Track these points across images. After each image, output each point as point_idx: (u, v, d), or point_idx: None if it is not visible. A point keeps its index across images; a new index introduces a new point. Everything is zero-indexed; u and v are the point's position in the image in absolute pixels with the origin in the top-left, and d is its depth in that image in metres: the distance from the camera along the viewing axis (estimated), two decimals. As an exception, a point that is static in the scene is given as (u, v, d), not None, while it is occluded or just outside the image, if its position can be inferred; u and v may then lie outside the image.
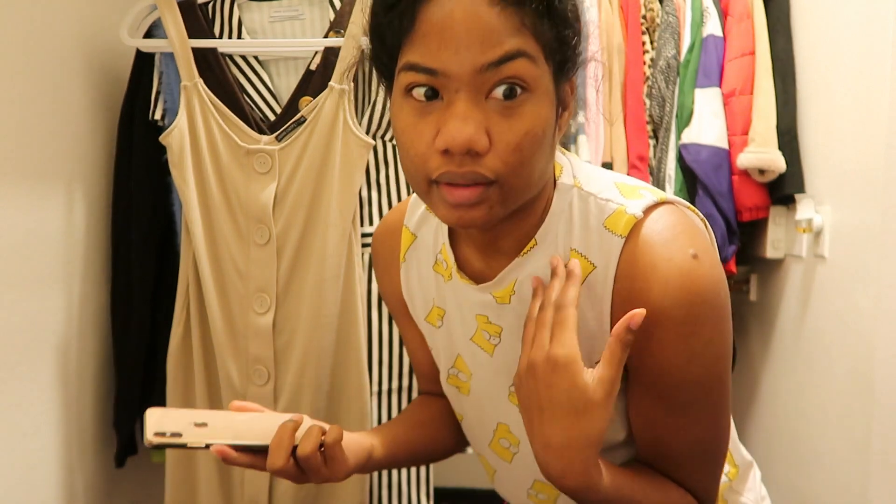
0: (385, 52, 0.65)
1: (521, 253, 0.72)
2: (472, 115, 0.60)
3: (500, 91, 0.61)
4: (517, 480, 0.85)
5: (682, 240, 0.67)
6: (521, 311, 0.75)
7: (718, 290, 0.66)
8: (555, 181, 0.73)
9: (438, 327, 0.85)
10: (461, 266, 0.78)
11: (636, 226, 0.68)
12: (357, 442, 0.81)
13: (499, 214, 0.65)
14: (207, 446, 0.72)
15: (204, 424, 0.74)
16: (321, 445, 0.75)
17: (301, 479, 0.76)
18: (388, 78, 0.67)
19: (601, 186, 0.72)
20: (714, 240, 0.73)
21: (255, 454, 0.74)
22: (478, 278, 0.77)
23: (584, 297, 0.70)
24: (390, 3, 0.62)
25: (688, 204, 0.73)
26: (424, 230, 0.84)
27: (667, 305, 0.65)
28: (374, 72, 0.70)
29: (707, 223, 0.73)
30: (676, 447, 0.71)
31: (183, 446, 0.72)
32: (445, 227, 0.80)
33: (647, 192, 0.71)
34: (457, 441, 0.95)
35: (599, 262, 0.69)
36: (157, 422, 0.73)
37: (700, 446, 0.71)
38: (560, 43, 0.63)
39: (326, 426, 0.77)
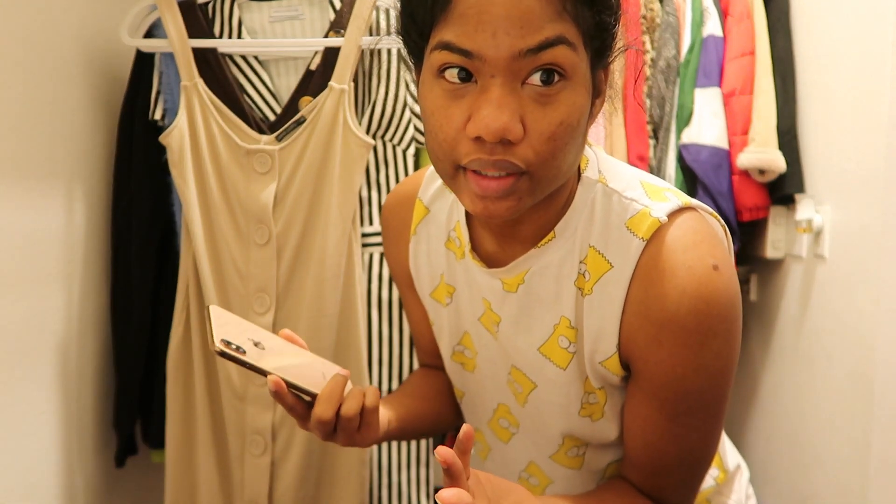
0: (416, 30, 0.63)
1: (538, 244, 0.71)
2: (507, 102, 0.58)
3: (536, 77, 0.59)
4: (512, 461, 0.85)
5: (703, 249, 0.65)
6: (525, 303, 0.74)
7: (734, 304, 0.65)
8: (579, 174, 0.72)
9: (446, 305, 0.84)
10: (475, 247, 0.77)
11: (659, 230, 0.66)
12: (381, 414, 0.82)
13: (526, 205, 0.63)
14: (264, 373, 0.71)
15: (261, 346, 0.73)
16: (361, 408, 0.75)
17: (330, 438, 0.76)
18: (416, 57, 0.65)
19: (626, 184, 0.71)
20: (732, 247, 0.72)
21: (298, 397, 0.74)
22: (490, 262, 0.76)
23: (597, 296, 0.70)
24: None
25: (710, 210, 0.71)
26: (438, 205, 0.83)
27: (681, 314, 0.64)
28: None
29: (727, 230, 0.72)
30: (669, 454, 0.71)
31: (243, 364, 0.70)
32: (462, 205, 0.79)
33: (672, 196, 0.69)
34: (456, 415, 0.96)
35: (617, 262, 0.68)
36: (223, 327, 0.71)
37: (691, 455, 0.71)
38: (600, 29, 0.61)
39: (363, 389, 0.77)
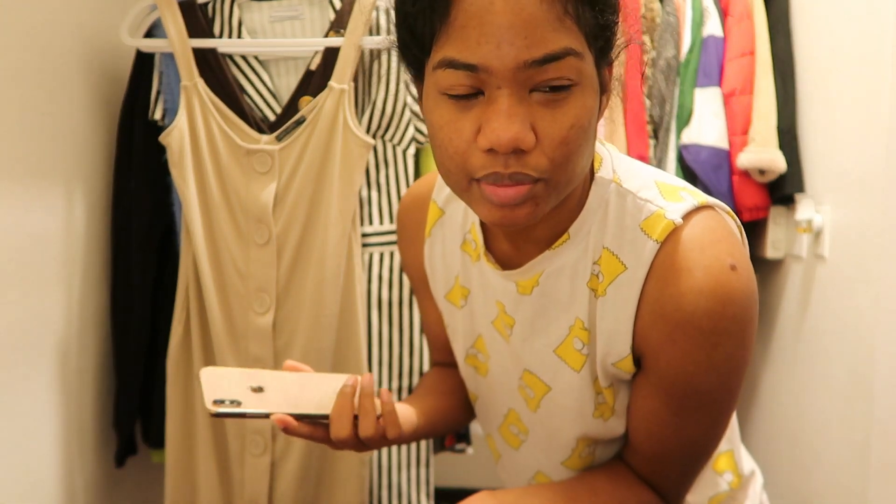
0: (415, 44, 0.62)
1: (553, 246, 0.71)
2: (516, 112, 0.58)
3: (544, 85, 0.58)
4: (521, 468, 0.85)
5: (721, 248, 0.65)
6: (539, 305, 0.73)
7: (750, 304, 0.65)
8: (592, 173, 0.71)
9: (461, 307, 0.84)
10: (489, 248, 0.77)
11: (674, 232, 0.66)
12: (405, 411, 0.82)
13: (543, 211, 0.63)
14: (267, 415, 0.70)
15: (260, 389, 0.73)
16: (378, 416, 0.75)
17: (361, 449, 0.76)
18: (417, 69, 0.65)
19: (641, 184, 0.70)
20: (747, 246, 0.71)
21: (314, 423, 0.74)
22: (504, 264, 0.76)
23: (611, 297, 0.69)
24: None
25: (727, 208, 0.70)
26: (453, 207, 0.82)
27: (697, 315, 0.63)
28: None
29: (743, 230, 0.71)
30: (672, 444, 0.71)
31: (243, 416, 0.70)
32: None
33: (687, 195, 0.68)
34: (472, 412, 0.96)
35: (631, 264, 0.68)
36: (215, 387, 0.71)
37: (693, 447, 0.71)
38: (602, 28, 0.61)
39: (375, 389, 0.77)
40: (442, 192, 0.84)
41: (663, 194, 0.68)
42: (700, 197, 0.69)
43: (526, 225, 0.63)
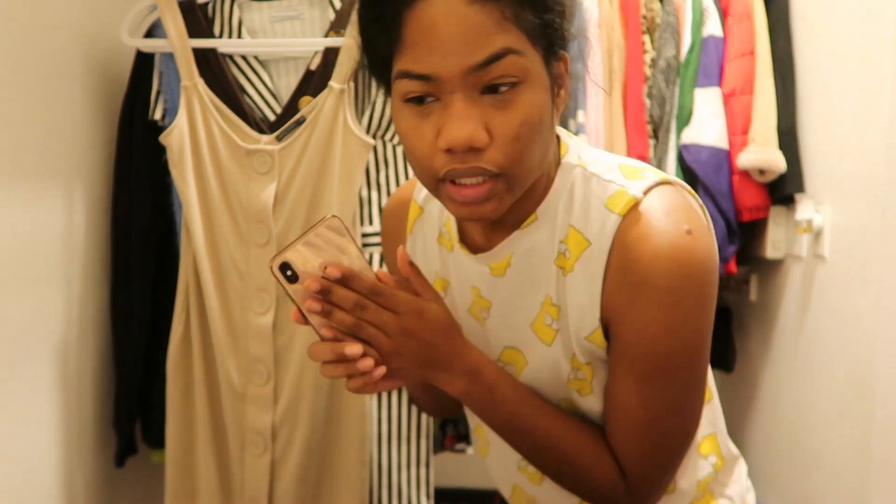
0: (378, 62, 0.68)
1: (521, 226, 0.74)
2: (469, 113, 0.63)
3: (492, 85, 0.63)
4: (508, 457, 0.86)
5: (678, 216, 0.69)
6: (514, 285, 0.77)
7: (707, 268, 0.68)
8: (559, 159, 0.75)
9: None
10: (463, 238, 0.81)
11: (635, 205, 0.69)
12: None
13: (507, 204, 0.67)
14: (298, 308, 0.69)
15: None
16: None
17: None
18: (386, 84, 0.70)
19: (605, 168, 0.74)
20: (711, 227, 0.74)
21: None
22: (477, 250, 0.79)
23: (579, 273, 0.72)
24: (374, 16, 0.65)
25: (689, 188, 0.74)
26: (431, 205, 0.87)
27: (654, 275, 0.67)
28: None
29: (705, 209, 0.75)
30: (635, 416, 0.72)
31: (286, 294, 0.69)
32: None
33: (649, 174, 0.72)
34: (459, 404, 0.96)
35: (595, 239, 0.71)
36: (301, 250, 0.68)
37: (656, 427, 0.72)
38: (545, 27, 0.65)
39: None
40: (421, 191, 0.88)
41: (625, 175, 0.73)
42: (661, 175, 0.73)
43: (493, 218, 0.68)
